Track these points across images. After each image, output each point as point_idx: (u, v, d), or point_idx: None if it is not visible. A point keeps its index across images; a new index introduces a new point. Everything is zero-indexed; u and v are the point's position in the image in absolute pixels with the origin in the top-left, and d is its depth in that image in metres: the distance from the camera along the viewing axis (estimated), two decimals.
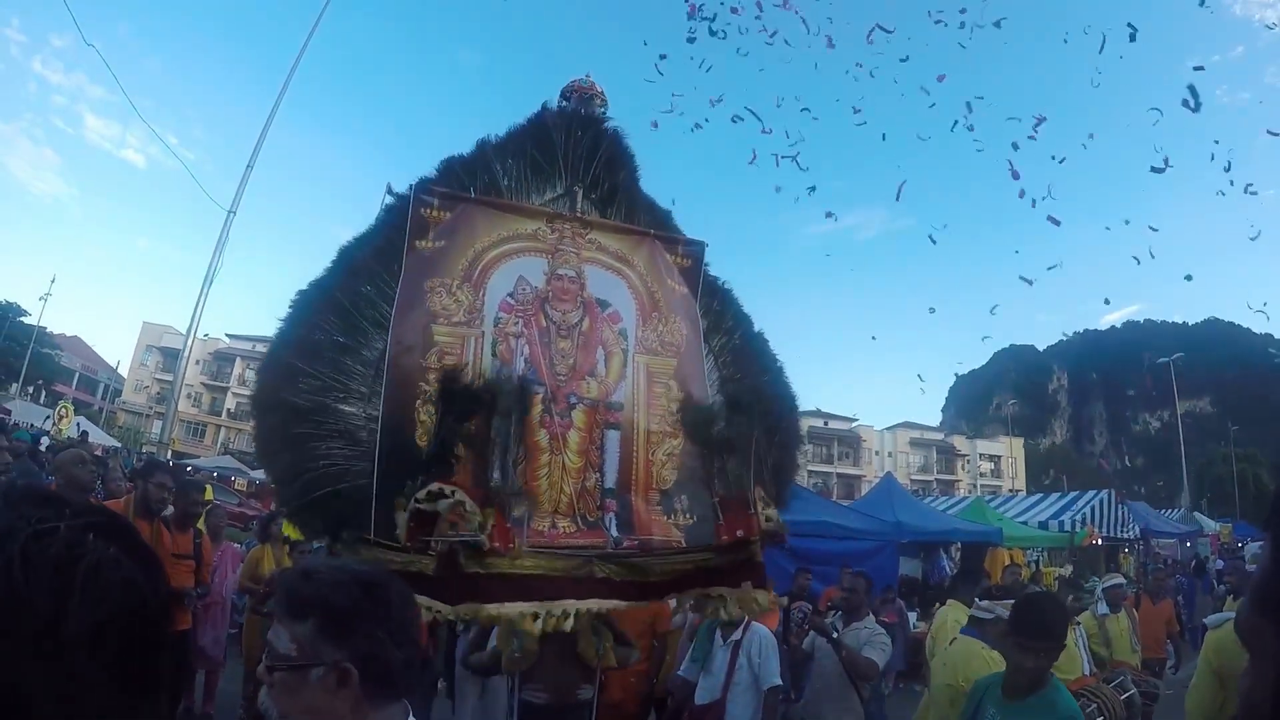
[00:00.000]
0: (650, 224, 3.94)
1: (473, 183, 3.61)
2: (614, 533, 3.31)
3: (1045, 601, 3.73)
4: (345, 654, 1.35)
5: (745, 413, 3.30)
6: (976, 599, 4.35)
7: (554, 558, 3.07)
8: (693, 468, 3.53)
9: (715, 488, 3.34)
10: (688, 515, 3.50)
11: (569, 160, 3.78)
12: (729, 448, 3.30)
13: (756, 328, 4.03)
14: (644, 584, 3.17)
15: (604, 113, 3.93)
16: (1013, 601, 4.45)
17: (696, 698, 4.72)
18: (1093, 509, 17.77)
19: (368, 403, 3.10)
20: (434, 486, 2.72)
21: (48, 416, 24.80)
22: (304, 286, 3.27)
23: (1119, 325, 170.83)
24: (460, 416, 2.87)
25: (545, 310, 3.57)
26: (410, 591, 1.66)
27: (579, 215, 3.75)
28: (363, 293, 3.23)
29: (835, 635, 5.08)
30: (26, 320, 44.47)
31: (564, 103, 3.88)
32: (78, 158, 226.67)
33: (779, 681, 4.61)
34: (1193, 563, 20.47)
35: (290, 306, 3.22)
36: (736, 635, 4.58)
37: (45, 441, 17.67)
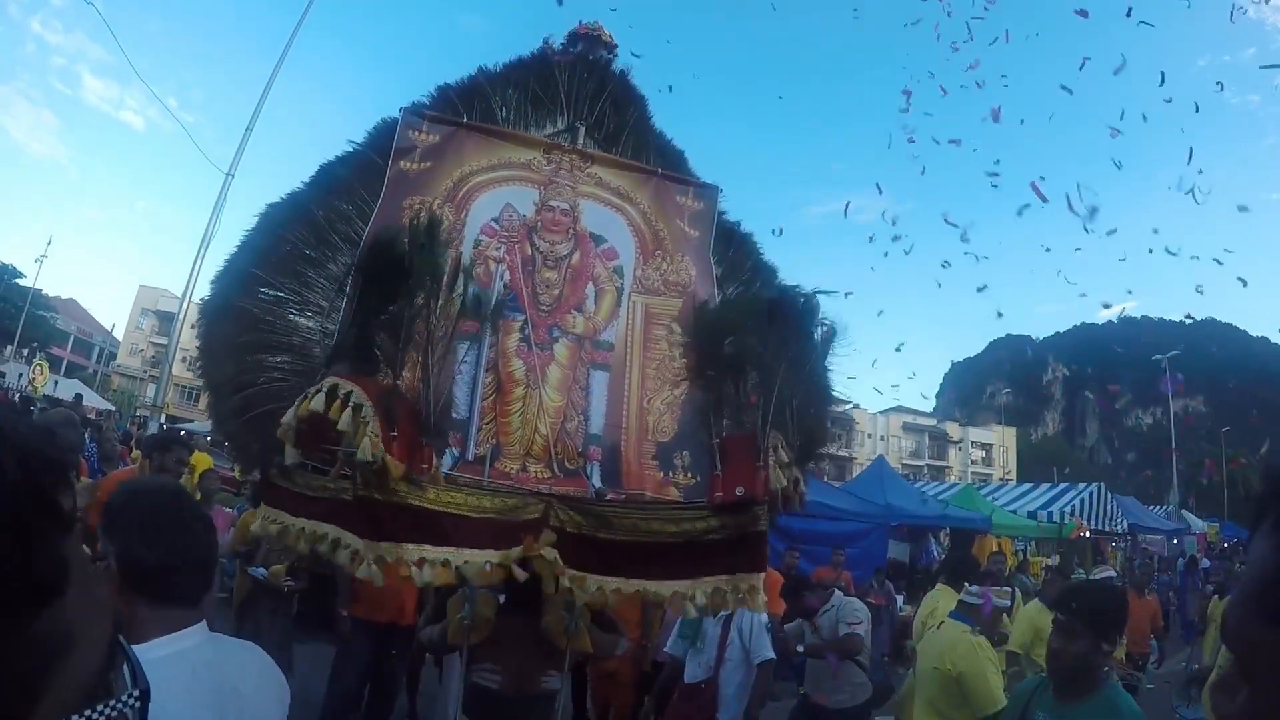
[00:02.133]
0: (661, 165, 3.69)
1: (468, 110, 3.42)
2: (596, 483, 2.92)
3: (1094, 585, 3.35)
4: (114, 550, 1.52)
5: (774, 322, 2.70)
6: (966, 584, 4.36)
7: (494, 495, 2.54)
8: (698, 418, 2.98)
9: (716, 426, 2.72)
10: (689, 474, 3.07)
11: (572, 98, 3.59)
12: (741, 365, 2.69)
13: (780, 280, 3.67)
14: (612, 549, 2.55)
15: (612, 57, 3.73)
16: (1005, 589, 4.48)
17: (686, 675, 4.66)
18: (1082, 501, 17.87)
19: (326, 317, 2.87)
20: (330, 382, 2.23)
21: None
22: (277, 199, 3.08)
23: (1115, 320, 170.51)
24: (378, 296, 2.39)
25: (532, 239, 3.34)
26: (184, 503, 1.67)
27: (579, 149, 3.54)
28: (338, 208, 3.05)
29: (800, 649, 4.90)
30: (22, 282, 44.19)
31: (571, 48, 3.68)
32: (76, 119, 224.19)
33: (772, 655, 4.57)
34: (1179, 560, 20.63)
35: (260, 217, 3.01)
36: (727, 610, 4.53)
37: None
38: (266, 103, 14.01)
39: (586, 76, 3.61)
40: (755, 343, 2.69)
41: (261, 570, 5.42)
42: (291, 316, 2.79)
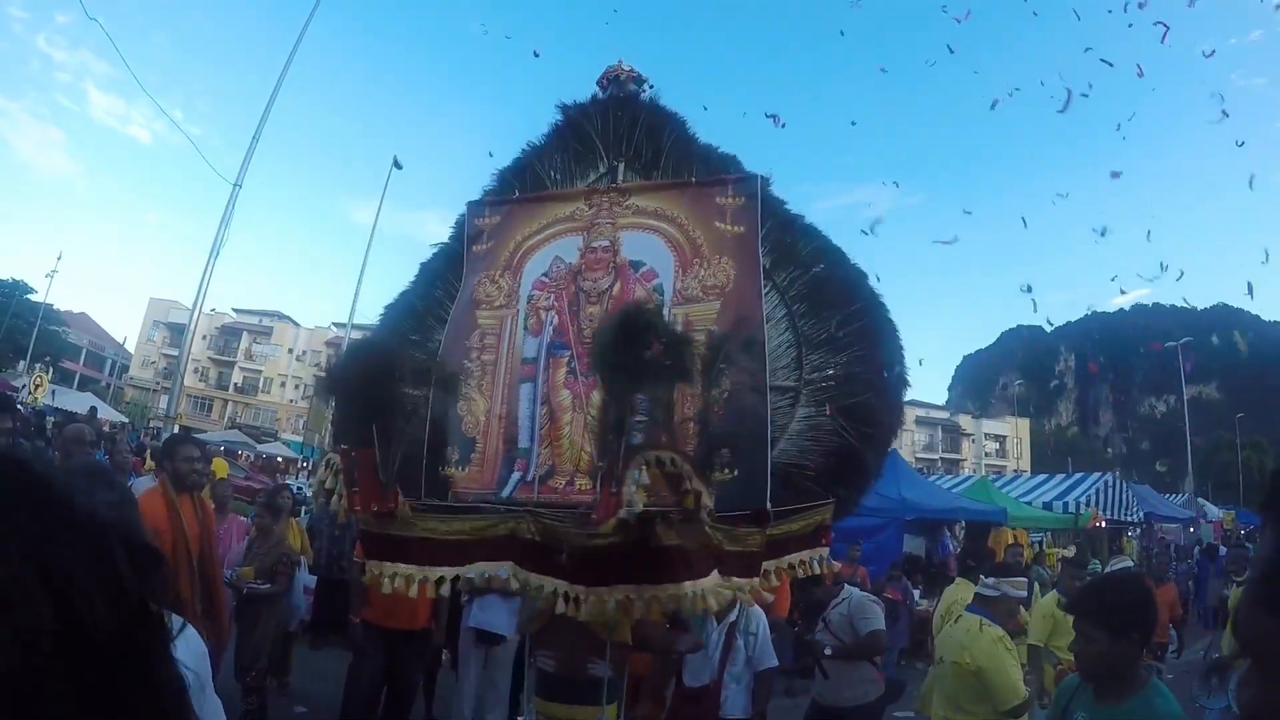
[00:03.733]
0: (704, 173, 3.82)
1: (521, 184, 4.02)
2: None
3: (1105, 580, 3.30)
4: None
5: (624, 332, 2.58)
6: (983, 576, 4.32)
7: (464, 520, 2.89)
8: (739, 415, 3.12)
9: (615, 445, 2.60)
10: (729, 470, 3.08)
11: (608, 140, 3.98)
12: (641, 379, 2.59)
13: (853, 260, 3.62)
14: (564, 555, 2.65)
15: (639, 90, 4.00)
16: (1022, 580, 4.44)
17: (686, 678, 4.54)
18: (1097, 491, 17.75)
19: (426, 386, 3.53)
20: (328, 457, 2.95)
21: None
22: (392, 300, 3.98)
23: (1127, 309, 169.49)
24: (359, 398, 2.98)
25: (577, 281, 3.75)
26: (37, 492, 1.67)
27: (615, 185, 3.89)
28: (434, 296, 3.85)
29: (829, 652, 4.79)
30: (34, 298, 44.50)
31: (602, 92, 4.03)
32: (83, 134, 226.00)
33: (775, 663, 4.56)
34: (1196, 548, 20.47)
35: (380, 317, 3.95)
36: (731, 617, 4.44)
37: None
38: (273, 111, 14.10)
39: (621, 114, 3.95)
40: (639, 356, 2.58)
41: (230, 572, 5.49)
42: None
